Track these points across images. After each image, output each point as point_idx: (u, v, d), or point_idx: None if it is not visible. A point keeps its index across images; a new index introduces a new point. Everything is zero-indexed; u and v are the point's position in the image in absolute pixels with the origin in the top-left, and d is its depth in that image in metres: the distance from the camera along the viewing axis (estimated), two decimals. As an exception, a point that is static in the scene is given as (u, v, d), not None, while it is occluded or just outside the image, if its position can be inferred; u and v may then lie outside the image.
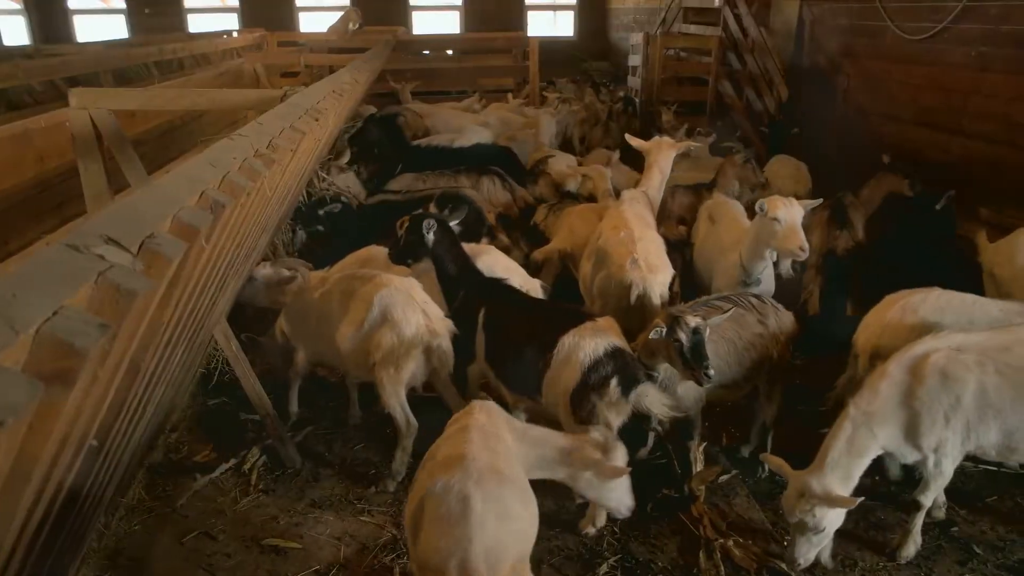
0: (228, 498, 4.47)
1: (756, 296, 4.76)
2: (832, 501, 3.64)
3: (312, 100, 3.91)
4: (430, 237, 4.54)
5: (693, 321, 3.89)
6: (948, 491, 4.65)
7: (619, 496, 3.58)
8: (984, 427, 3.76)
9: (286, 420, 5.12)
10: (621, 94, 12.92)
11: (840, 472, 3.71)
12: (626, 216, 5.10)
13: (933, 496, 4.00)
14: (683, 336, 3.88)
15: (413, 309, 4.36)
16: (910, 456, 3.89)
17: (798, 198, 5.09)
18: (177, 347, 2.74)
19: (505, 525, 2.84)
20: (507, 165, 7.51)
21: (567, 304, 4.78)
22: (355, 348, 4.47)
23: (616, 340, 3.98)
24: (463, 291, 4.61)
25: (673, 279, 4.91)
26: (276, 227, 5.10)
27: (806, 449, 4.92)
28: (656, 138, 6.29)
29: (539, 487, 3.30)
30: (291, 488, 4.58)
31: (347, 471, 4.78)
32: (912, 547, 4.14)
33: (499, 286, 4.51)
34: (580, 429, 3.69)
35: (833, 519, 3.73)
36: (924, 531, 4.31)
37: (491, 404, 3.47)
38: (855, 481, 3.78)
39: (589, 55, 20.29)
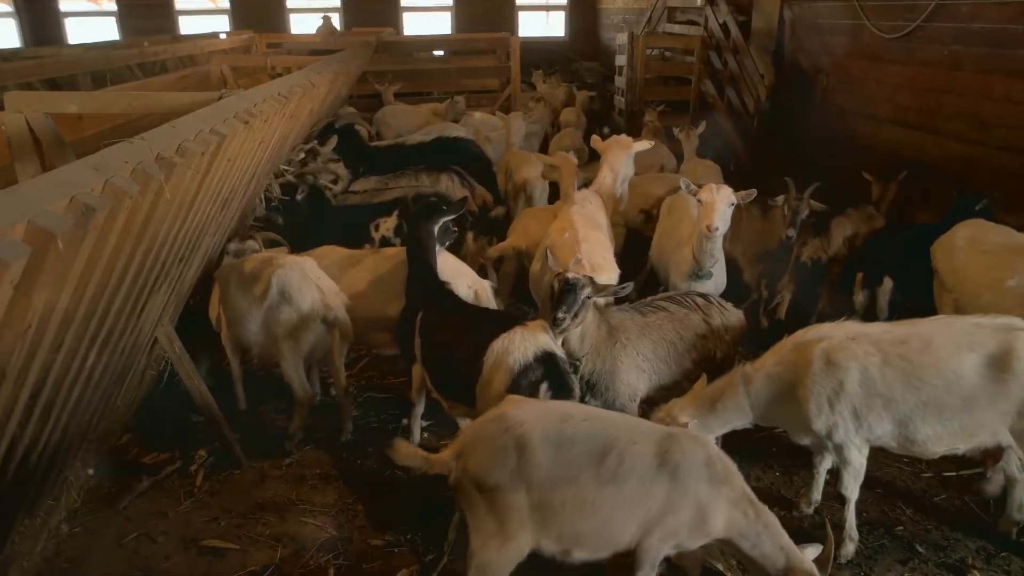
0: (172, 499, 4.50)
1: (702, 296, 4.77)
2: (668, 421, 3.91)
3: (248, 103, 3.92)
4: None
5: (572, 276, 4.05)
6: (896, 491, 4.69)
7: None
8: (875, 416, 3.84)
9: (238, 420, 5.16)
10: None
11: (700, 412, 3.97)
12: (573, 217, 5.12)
13: (854, 488, 4.04)
14: (555, 283, 4.07)
15: (308, 285, 4.68)
16: (804, 437, 4.05)
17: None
18: (83, 351, 2.75)
19: None
20: (469, 160, 7.55)
21: (497, 310, 4.77)
22: (259, 327, 4.80)
23: (546, 344, 3.98)
24: (409, 291, 4.63)
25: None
26: (226, 229, 5.11)
27: (761, 446, 4.98)
28: (613, 137, 6.29)
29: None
30: (236, 489, 4.60)
31: (294, 472, 4.80)
32: (851, 545, 4.14)
33: (435, 290, 4.52)
34: None
35: None
36: (869, 530, 4.34)
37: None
38: (715, 431, 4.04)
39: (580, 55, 20.27)
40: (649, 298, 4.68)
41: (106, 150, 2.46)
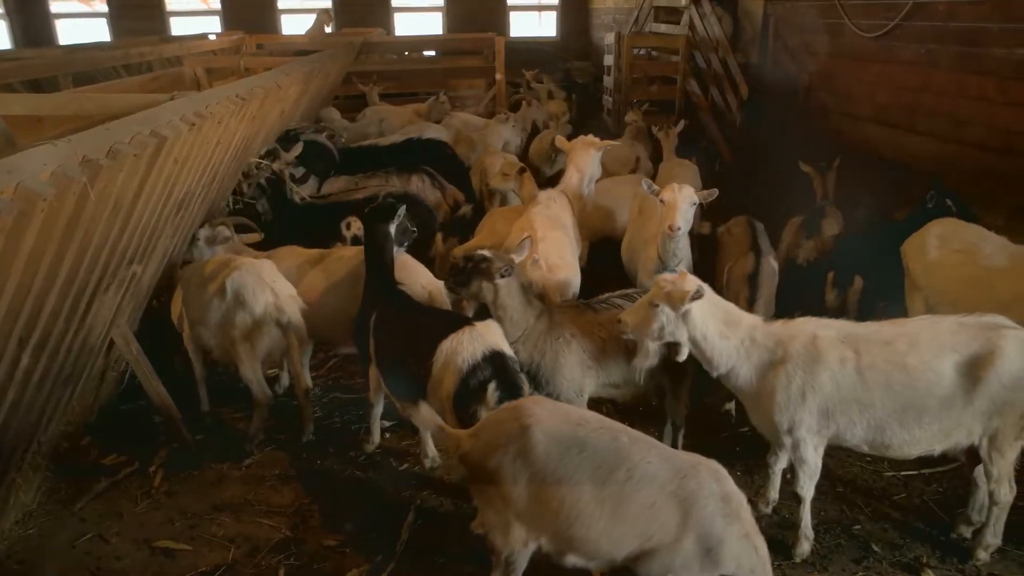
0: (129, 501, 4.51)
1: (660, 295, 4.76)
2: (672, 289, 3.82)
3: (198, 105, 3.92)
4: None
5: (477, 253, 4.35)
6: (857, 490, 4.69)
7: None
8: (846, 419, 3.82)
9: (201, 421, 5.21)
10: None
11: (714, 305, 3.90)
12: (533, 218, 5.14)
13: (809, 487, 4.02)
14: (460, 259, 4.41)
15: (262, 289, 4.72)
16: (765, 428, 4.01)
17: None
18: (11, 353, 2.76)
19: None
20: (441, 161, 7.57)
21: (448, 311, 4.77)
22: (216, 329, 4.84)
23: (495, 344, 3.98)
24: (365, 292, 4.63)
25: None
26: (187, 231, 5.12)
27: (723, 445, 4.98)
28: (579, 137, 6.29)
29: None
30: (194, 490, 4.61)
31: (253, 473, 4.80)
32: (805, 544, 4.13)
33: (389, 291, 4.53)
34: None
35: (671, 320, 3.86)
36: (826, 529, 4.35)
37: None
38: (699, 330, 3.88)
39: (572, 55, 20.25)
40: (606, 295, 4.68)
41: (27, 152, 2.46)
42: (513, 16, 21.72)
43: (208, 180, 4.80)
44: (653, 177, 8.49)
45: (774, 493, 4.46)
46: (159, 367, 5.19)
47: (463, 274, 4.34)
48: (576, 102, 13.85)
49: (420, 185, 6.79)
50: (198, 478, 4.72)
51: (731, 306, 4.01)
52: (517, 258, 4.45)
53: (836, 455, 4.83)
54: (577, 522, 3.19)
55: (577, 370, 4.36)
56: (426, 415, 3.51)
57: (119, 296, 4.07)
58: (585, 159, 6.00)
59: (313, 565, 4.02)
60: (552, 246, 4.93)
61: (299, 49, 12.37)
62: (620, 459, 3.21)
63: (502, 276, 4.29)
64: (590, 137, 6.25)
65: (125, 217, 3.33)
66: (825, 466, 4.74)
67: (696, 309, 3.84)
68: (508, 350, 4.02)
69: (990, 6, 7.03)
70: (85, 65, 10.25)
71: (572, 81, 17.95)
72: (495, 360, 3.91)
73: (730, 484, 3.29)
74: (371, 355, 4.47)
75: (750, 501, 4.45)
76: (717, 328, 3.89)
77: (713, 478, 3.25)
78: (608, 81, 14.18)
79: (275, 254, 5.35)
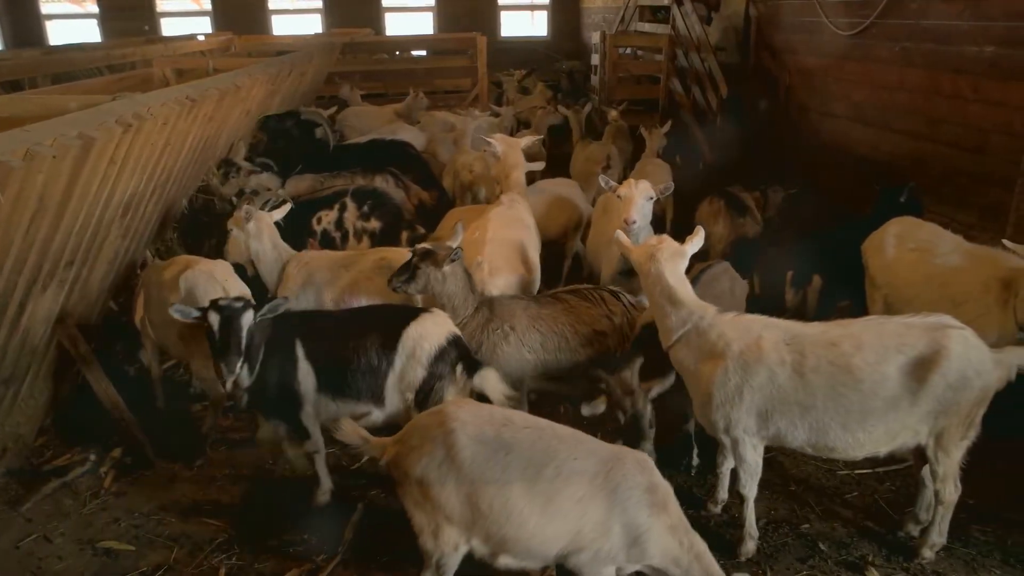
0: (78, 501, 4.52)
1: (613, 291, 4.75)
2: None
3: (139, 106, 3.92)
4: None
5: (420, 247, 4.49)
6: (809, 489, 4.69)
7: None
8: (786, 422, 3.79)
9: (157, 420, 5.22)
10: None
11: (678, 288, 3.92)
12: (489, 219, 5.15)
13: (751, 486, 4.01)
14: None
15: (214, 287, 4.72)
16: (706, 423, 3.99)
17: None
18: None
19: None
20: (405, 161, 7.60)
21: (396, 304, 4.76)
22: (171, 327, 4.80)
23: (454, 328, 4.20)
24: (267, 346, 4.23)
25: None
26: (142, 232, 5.13)
27: (673, 446, 4.98)
28: (501, 135, 6.34)
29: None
30: (144, 490, 4.62)
31: (204, 473, 4.82)
32: (751, 543, 4.13)
33: (308, 316, 4.60)
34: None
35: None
36: (774, 528, 4.35)
37: None
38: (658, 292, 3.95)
39: (563, 54, 20.23)
40: (556, 289, 4.71)
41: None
42: (505, 16, 21.77)
43: (161, 181, 4.80)
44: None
45: (723, 493, 4.46)
46: (118, 369, 5.23)
47: (407, 271, 4.42)
48: (561, 101, 13.81)
49: (384, 185, 6.80)
50: (149, 478, 4.73)
51: (680, 290, 3.93)
52: (454, 243, 4.53)
53: (791, 452, 4.81)
54: (508, 522, 3.21)
55: (514, 362, 4.39)
56: (348, 429, 3.54)
57: (61, 297, 4.08)
58: (520, 155, 6.01)
59: (254, 564, 4.03)
60: (500, 248, 4.94)
61: (281, 49, 12.40)
62: (548, 457, 3.24)
63: (452, 261, 4.37)
64: (512, 137, 6.30)
65: (55, 219, 3.34)
66: (780, 464, 4.83)
67: (650, 273, 3.92)
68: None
69: (961, 3, 7.03)
70: (64, 66, 10.31)
71: (573, 81, 17.91)
72: (458, 343, 4.13)
73: (656, 475, 3.32)
74: (301, 399, 4.22)
75: (701, 500, 4.53)
76: (658, 301, 3.93)
77: (638, 469, 3.28)
78: (595, 80, 14.19)
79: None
